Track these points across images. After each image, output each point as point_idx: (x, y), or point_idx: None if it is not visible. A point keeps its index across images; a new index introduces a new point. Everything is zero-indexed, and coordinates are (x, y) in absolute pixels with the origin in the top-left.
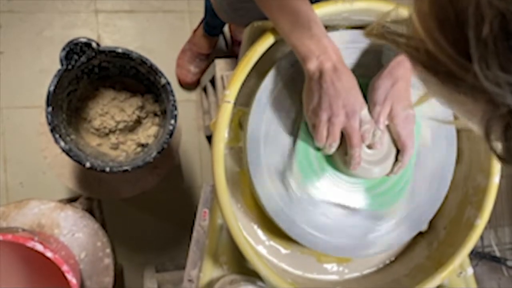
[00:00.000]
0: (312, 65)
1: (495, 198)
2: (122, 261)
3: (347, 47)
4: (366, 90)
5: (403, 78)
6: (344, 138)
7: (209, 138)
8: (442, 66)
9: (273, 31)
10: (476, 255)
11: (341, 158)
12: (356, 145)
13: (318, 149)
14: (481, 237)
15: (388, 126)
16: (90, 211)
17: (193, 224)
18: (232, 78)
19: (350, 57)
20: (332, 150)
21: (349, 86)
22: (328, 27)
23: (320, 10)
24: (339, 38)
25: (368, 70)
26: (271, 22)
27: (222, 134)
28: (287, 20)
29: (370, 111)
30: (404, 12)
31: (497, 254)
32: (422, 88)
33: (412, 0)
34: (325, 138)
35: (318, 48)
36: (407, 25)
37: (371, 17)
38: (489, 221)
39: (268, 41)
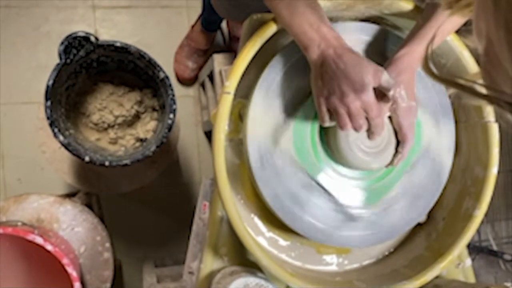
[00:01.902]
0: (314, 54)
1: (493, 190)
2: (121, 256)
3: (350, 39)
4: None
5: (408, 70)
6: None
7: (207, 134)
8: None
9: (272, 22)
10: (474, 249)
11: (337, 142)
12: (376, 116)
13: (315, 142)
14: (478, 231)
15: (390, 117)
16: (88, 206)
17: (192, 218)
18: (232, 69)
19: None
20: (363, 129)
21: (353, 63)
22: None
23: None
24: (340, 30)
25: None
26: (272, 11)
27: (223, 125)
28: (287, 10)
29: None
30: (406, 5)
31: (494, 248)
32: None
33: (510, 59)
34: (348, 123)
35: (318, 36)
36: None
37: (371, 9)
38: (486, 215)
39: (267, 32)
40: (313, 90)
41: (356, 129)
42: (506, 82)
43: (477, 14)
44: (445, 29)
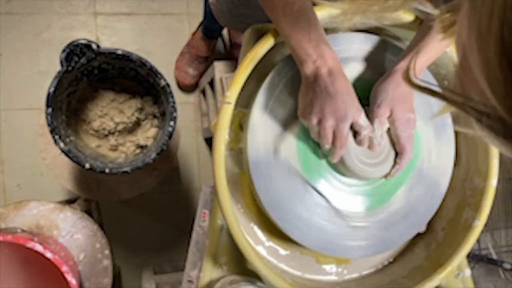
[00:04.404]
0: (308, 69)
1: (492, 200)
2: (120, 262)
3: (349, 49)
4: (369, 93)
5: None
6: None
7: (207, 140)
8: None
9: (273, 33)
10: (473, 258)
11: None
12: (338, 147)
13: (316, 151)
14: (478, 240)
15: (388, 129)
16: (88, 212)
17: (192, 225)
18: (233, 80)
19: (352, 59)
20: (327, 147)
21: (343, 91)
22: (328, 30)
23: (320, 13)
24: (340, 40)
25: (370, 73)
26: (272, 22)
27: (223, 135)
28: (288, 22)
29: (371, 112)
30: (406, 17)
31: (494, 256)
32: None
33: (479, 64)
34: (317, 137)
35: (315, 52)
36: (473, 88)
37: (370, 19)
38: (486, 224)
39: (268, 43)
40: (299, 104)
41: (324, 144)
42: (475, 88)
43: (459, 25)
44: (441, 45)
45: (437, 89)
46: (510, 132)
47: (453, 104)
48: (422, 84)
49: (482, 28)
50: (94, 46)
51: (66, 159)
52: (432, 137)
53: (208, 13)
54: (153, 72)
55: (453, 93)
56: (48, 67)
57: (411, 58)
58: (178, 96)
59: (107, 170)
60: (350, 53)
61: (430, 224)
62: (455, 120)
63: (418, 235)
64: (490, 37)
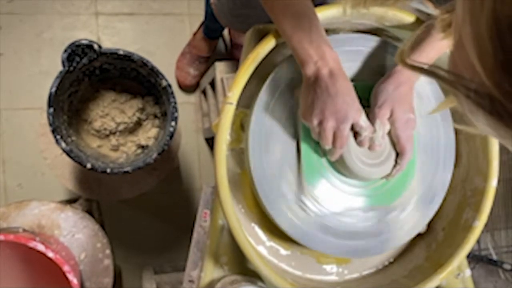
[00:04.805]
0: (309, 70)
1: (493, 201)
2: (120, 262)
3: (349, 50)
4: (369, 93)
5: (407, 83)
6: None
7: (208, 141)
8: (507, 111)
9: (275, 34)
10: (473, 258)
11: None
12: (338, 147)
13: (318, 151)
14: (478, 241)
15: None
16: (89, 212)
17: (192, 225)
18: (235, 80)
19: (352, 60)
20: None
21: (344, 92)
22: (328, 31)
23: (321, 14)
24: (341, 41)
25: (371, 74)
26: (274, 23)
27: (224, 136)
28: (289, 23)
29: (371, 113)
30: (407, 18)
31: (494, 257)
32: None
33: (471, 38)
34: (317, 137)
35: (316, 53)
36: (463, 65)
37: (371, 21)
38: (486, 225)
39: (270, 43)
40: (300, 105)
41: (324, 144)
42: (466, 65)
43: (457, 9)
44: (442, 45)
45: (429, 68)
46: (496, 108)
47: (444, 81)
48: (415, 64)
49: (475, 2)
50: (95, 46)
51: (67, 159)
52: (431, 137)
53: (209, 13)
54: (154, 72)
55: (444, 71)
56: (50, 67)
57: (406, 43)
58: (179, 96)
59: (108, 170)
60: (351, 54)
61: (430, 225)
62: (455, 119)
63: (419, 235)
64: (482, 10)
